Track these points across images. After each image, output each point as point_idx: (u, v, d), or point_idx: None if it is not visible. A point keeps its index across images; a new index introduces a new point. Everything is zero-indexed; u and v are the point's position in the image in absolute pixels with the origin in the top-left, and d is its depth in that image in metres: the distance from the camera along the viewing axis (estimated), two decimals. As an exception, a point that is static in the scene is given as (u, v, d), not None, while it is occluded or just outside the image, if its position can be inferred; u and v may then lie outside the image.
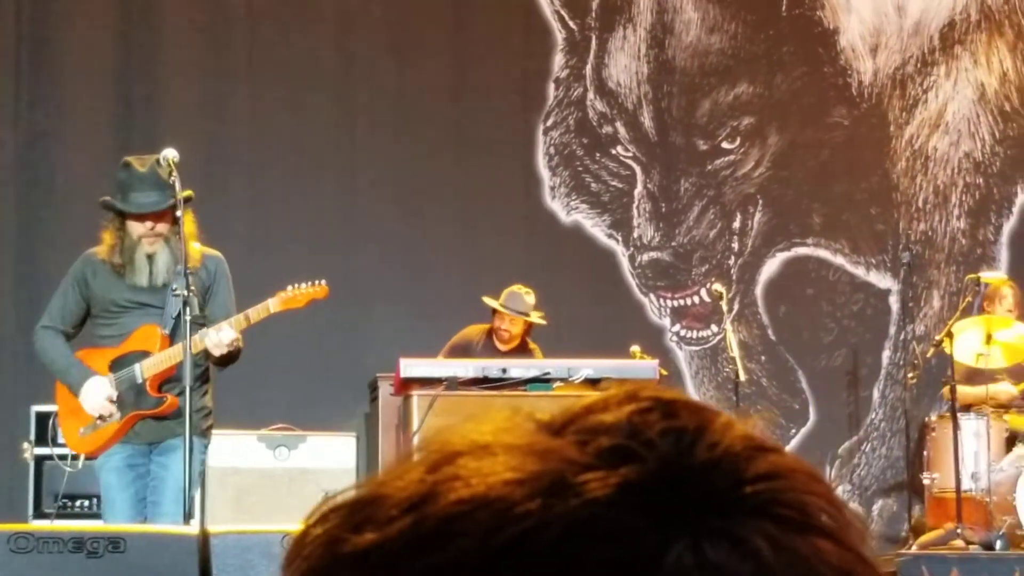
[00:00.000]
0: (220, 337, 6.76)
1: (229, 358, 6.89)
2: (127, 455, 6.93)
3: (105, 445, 6.94)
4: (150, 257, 6.93)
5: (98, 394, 6.91)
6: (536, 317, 9.84)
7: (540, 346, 9.79)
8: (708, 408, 0.74)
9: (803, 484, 0.72)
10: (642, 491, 0.69)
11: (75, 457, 7.10)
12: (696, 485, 0.70)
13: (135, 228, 6.88)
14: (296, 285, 7.14)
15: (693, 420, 0.72)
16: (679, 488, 0.69)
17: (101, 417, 6.91)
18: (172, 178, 6.84)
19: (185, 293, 6.74)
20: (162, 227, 6.88)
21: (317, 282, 7.20)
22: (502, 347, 9.77)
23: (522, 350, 9.75)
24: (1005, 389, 10.19)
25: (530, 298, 9.82)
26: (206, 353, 6.87)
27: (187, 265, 6.80)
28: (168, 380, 6.93)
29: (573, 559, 0.67)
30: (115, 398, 6.91)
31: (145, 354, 6.92)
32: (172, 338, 6.90)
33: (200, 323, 6.83)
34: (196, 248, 6.97)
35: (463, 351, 9.65)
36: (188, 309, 6.74)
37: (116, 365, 6.95)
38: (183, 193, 6.81)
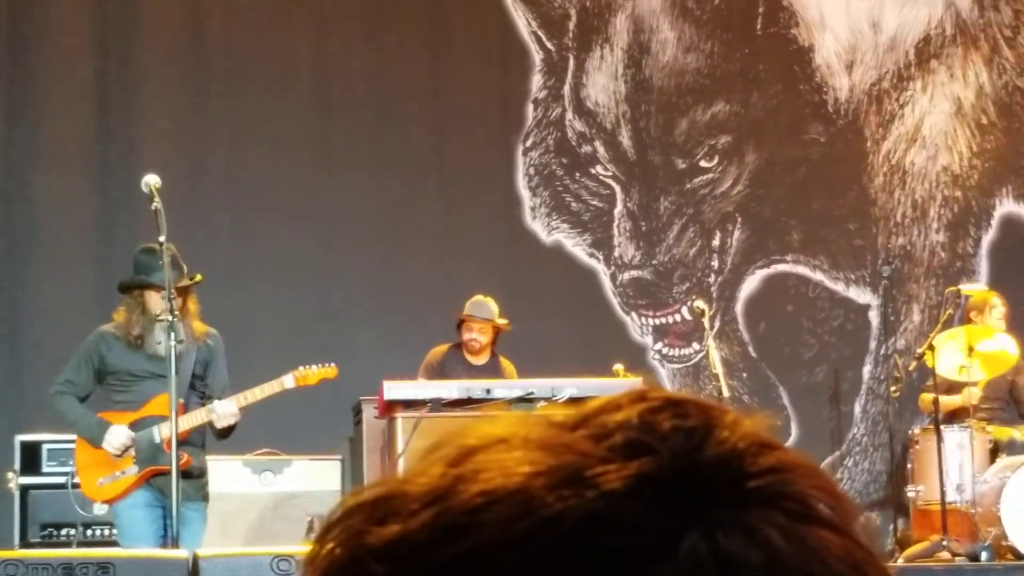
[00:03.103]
0: (225, 409, 7.60)
1: (230, 430, 7.73)
2: (150, 496, 7.62)
3: (123, 494, 7.64)
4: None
5: (120, 435, 7.63)
6: (502, 322, 9.80)
7: (522, 364, 9.74)
8: (716, 406, 0.77)
9: (806, 479, 0.74)
10: (656, 483, 0.71)
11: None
12: (707, 478, 0.72)
13: (156, 303, 7.55)
14: (308, 366, 8.10)
15: (702, 418, 0.75)
16: (691, 481, 0.72)
17: (122, 470, 7.61)
18: (155, 204, 7.47)
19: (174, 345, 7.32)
20: (178, 303, 7.51)
21: (327, 364, 8.14)
22: (474, 360, 9.71)
23: (494, 362, 9.71)
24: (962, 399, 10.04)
25: (493, 305, 9.79)
26: (209, 424, 7.69)
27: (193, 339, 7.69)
28: (182, 443, 7.52)
29: (590, 548, 0.69)
30: (134, 441, 7.62)
31: (162, 418, 7.56)
32: (186, 406, 7.64)
33: (202, 393, 7.78)
34: (200, 325, 7.74)
35: (439, 373, 9.60)
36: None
37: (134, 427, 7.66)
38: (197, 278, 7.70)
